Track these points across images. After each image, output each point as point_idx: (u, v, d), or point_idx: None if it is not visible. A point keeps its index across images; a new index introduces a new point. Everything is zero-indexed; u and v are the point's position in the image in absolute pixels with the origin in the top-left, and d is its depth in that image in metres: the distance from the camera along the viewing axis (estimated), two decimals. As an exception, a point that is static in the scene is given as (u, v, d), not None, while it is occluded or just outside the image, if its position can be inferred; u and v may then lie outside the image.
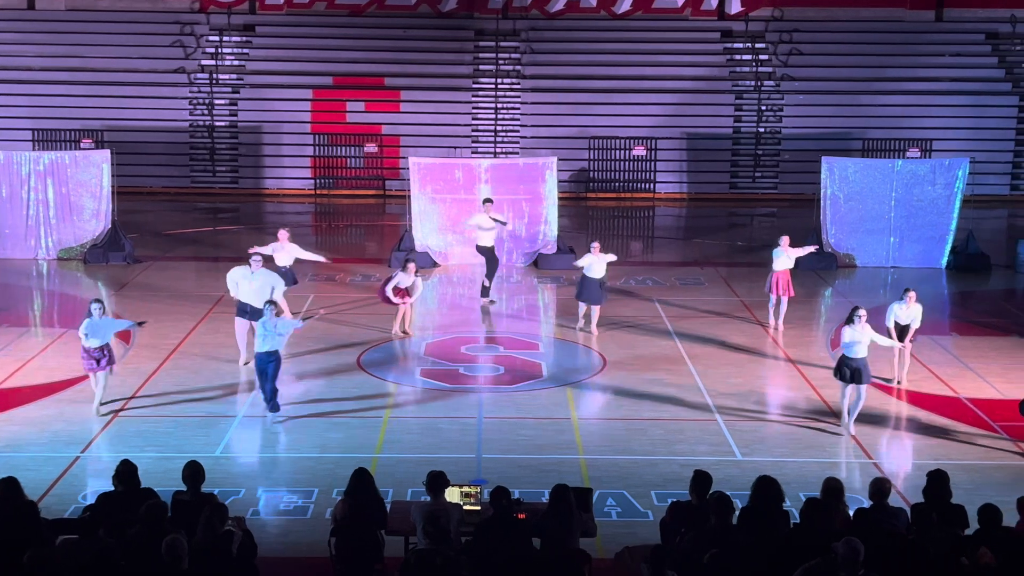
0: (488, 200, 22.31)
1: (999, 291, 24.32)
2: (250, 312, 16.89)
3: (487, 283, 21.62)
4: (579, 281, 19.66)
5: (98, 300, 15.30)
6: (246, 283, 17.09)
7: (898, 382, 16.63)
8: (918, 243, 25.49)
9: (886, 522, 9.73)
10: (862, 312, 14.77)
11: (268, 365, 14.79)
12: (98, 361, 14.95)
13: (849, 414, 14.84)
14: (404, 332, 19.20)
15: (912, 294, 16.49)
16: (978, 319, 21.35)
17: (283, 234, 19.78)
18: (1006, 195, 36.61)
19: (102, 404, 15.14)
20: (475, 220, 21.96)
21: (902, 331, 16.44)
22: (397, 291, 18.85)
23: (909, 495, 12.11)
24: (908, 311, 16.44)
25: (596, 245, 19.49)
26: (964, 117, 37.51)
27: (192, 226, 30.85)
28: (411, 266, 19.19)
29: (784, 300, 19.79)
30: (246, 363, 16.99)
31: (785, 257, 19.79)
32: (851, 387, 14.75)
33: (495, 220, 21.72)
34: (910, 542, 9.09)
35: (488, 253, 21.71)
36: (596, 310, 19.42)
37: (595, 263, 19.29)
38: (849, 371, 14.68)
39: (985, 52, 39.72)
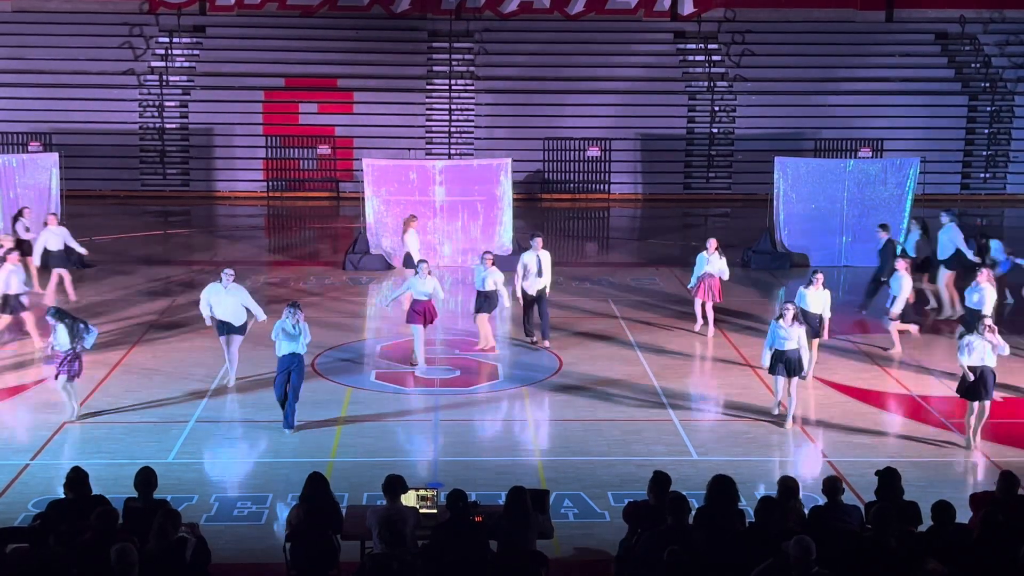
0: (536, 235, 19.31)
1: (950, 289, 24.49)
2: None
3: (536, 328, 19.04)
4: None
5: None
6: (219, 299, 16.19)
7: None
8: (870, 242, 25.59)
9: (839, 520, 9.79)
10: (790, 307, 14.92)
11: (290, 368, 14.45)
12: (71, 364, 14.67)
13: (787, 409, 15.02)
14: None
15: (820, 276, 17.05)
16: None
17: (52, 219, 20.93)
18: (956, 194, 37.01)
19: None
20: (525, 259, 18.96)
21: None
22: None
23: (863, 493, 12.17)
24: (817, 295, 16.92)
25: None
26: (914, 117, 37.91)
27: (142, 230, 30.51)
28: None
29: (709, 305, 19.55)
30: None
31: (715, 261, 19.43)
32: (785, 380, 14.93)
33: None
34: (865, 540, 9.14)
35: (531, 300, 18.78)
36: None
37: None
38: (783, 365, 14.84)
39: (935, 52, 40.18)
